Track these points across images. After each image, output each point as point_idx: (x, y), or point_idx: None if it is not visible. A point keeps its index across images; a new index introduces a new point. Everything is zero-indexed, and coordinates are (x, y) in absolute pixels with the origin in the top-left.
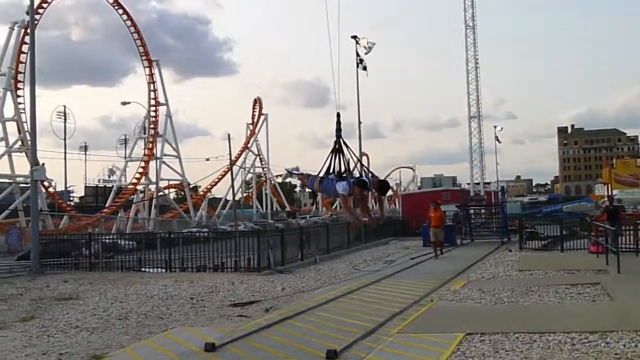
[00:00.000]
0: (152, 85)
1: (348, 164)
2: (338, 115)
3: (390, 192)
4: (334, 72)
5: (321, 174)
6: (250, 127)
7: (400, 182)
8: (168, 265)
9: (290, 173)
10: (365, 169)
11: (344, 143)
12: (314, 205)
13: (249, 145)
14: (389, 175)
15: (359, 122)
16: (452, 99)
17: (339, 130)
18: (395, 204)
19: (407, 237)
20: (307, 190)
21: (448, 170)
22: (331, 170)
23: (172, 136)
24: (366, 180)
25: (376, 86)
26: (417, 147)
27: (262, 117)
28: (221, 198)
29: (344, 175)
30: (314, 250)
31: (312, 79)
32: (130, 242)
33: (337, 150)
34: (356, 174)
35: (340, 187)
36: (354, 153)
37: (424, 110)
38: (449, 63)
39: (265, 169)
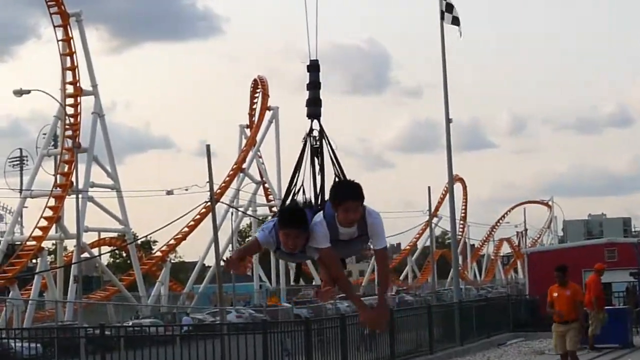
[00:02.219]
0: (68, 58)
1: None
2: (313, 65)
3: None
4: None
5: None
6: (247, 131)
7: (526, 229)
8: None
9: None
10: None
11: (324, 137)
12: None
13: (244, 166)
14: (504, 217)
15: (447, 120)
16: (618, 77)
17: (313, 112)
18: (515, 271)
19: (539, 332)
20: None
21: (614, 204)
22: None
23: (106, 151)
24: (296, 208)
25: (477, 60)
26: (555, 163)
27: (267, 114)
28: (194, 263)
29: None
30: (365, 356)
31: (362, 44)
32: (32, 346)
33: (314, 153)
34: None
35: (262, 235)
36: (331, 150)
37: (567, 98)
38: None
39: (275, 206)
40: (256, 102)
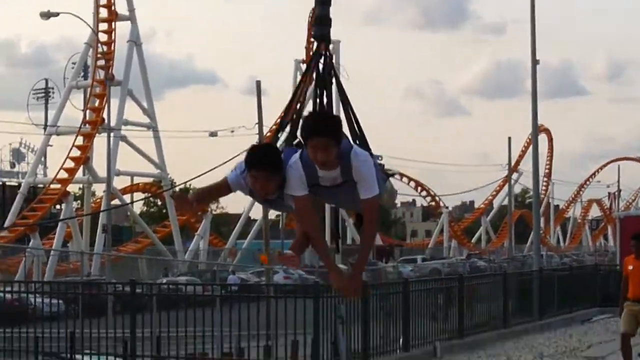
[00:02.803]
0: None
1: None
2: None
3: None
4: None
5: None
6: (303, 66)
7: (619, 190)
8: (129, 350)
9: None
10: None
11: (330, 68)
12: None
13: (298, 106)
14: (595, 175)
15: (534, 62)
16: None
17: (321, 32)
18: (605, 238)
19: None
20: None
21: None
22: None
23: (143, 85)
24: (264, 146)
25: None
26: None
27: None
28: (237, 215)
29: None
30: (431, 329)
31: None
32: (54, 302)
33: (319, 84)
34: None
35: (234, 175)
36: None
37: None
38: None
39: None
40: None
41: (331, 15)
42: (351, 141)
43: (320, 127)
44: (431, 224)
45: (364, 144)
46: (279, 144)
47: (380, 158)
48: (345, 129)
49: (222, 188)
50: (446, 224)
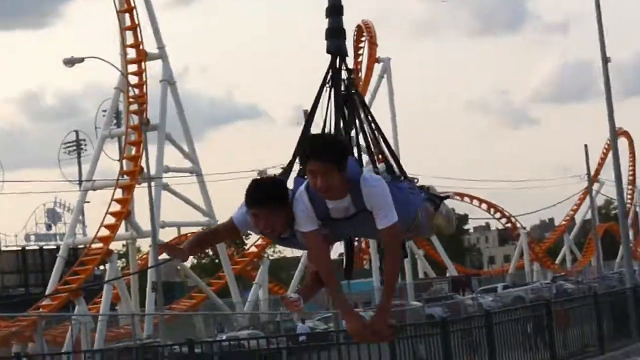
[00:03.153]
0: (127, 15)
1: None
2: None
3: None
4: None
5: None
6: None
7: None
8: None
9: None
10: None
11: (350, 85)
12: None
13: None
14: None
15: (605, 60)
16: None
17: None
18: None
19: None
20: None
21: None
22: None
23: (181, 127)
24: (262, 180)
25: None
26: None
27: (376, 67)
28: (296, 259)
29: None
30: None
31: None
32: None
33: (337, 102)
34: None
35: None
36: (368, 113)
37: None
38: None
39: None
40: (361, 54)
41: (345, 29)
42: (363, 166)
43: (318, 149)
44: (509, 247)
45: (390, 168)
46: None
47: (416, 180)
48: (358, 149)
49: (228, 230)
50: (525, 246)
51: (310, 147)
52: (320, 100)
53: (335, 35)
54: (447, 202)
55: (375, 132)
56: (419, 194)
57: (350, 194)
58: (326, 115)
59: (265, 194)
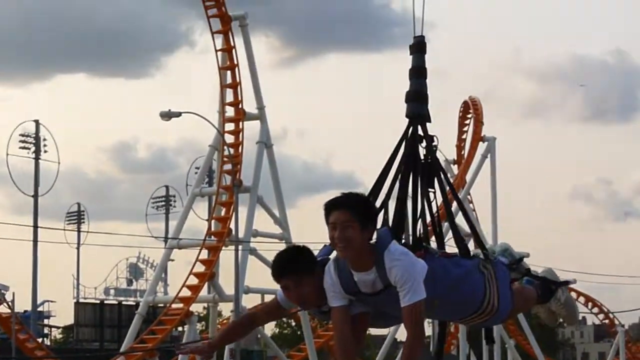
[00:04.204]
0: (228, 73)
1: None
2: (418, 44)
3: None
4: None
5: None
6: (454, 168)
7: None
8: None
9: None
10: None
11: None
12: None
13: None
14: None
15: None
16: None
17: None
18: None
19: None
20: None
21: None
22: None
23: (274, 191)
24: (283, 252)
25: None
26: None
27: (480, 146)
28: (382, 336)
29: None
30: None
31: (608, 56)
32: None
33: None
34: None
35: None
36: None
37: None
38: None
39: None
40: (466, 131)
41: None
42: (393, 240)
43: (339, 200)
44: (605, 345)
45: (464, 248)
46: None
47: (527, 256)
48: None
49: (274, 308)
50: (622, 344)
51: (333, 199)
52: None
53: (417, 99)
54: None
55: (449, 202)
56: (505, 273)
57: (376, 267)
58: (396, 182)
59: (288, 263)
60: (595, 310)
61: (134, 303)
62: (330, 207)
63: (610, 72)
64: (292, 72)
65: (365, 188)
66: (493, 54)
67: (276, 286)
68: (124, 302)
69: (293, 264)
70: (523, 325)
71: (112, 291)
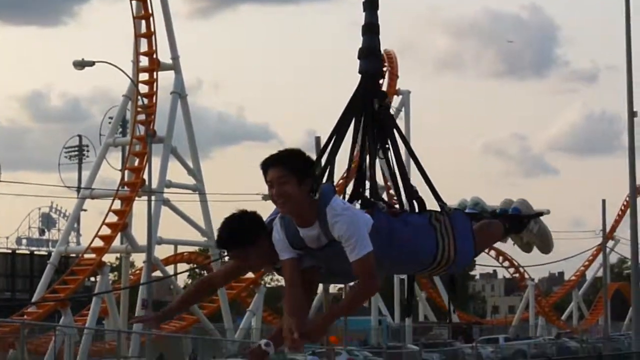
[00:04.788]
0: (143, 22)
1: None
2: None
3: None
4: None
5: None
6: None
7: None
8: None
9: None
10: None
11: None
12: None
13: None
14: None
15: (631, 113)
16: None
17: (371, 66)
18: None
19: None
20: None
21: None
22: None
23: (188, 142)
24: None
25: None
26: None
27: (395, 100)
28: None
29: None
30: None
31: (522, 12)
32: None
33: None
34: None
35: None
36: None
37: None
38: None
39: None
40: (381, 84)
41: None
42: (336, 195)
43: (275, 157)
44: (515, 298)
45: (418, 201)
46: None
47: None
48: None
49: (233, 269)
50: (532, 298)
51: (266, 158)
52: (343, 126)
53: (369, 55)
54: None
55: (414, 162)
56: (464, 221)
57: (318, 221)
58: (355, 140)
59: (230, 239)
60: (506, 264)
61: (46, 253)
62: (265, 166)
63: (525, 27)
64: (207, 23)
65: (279, 140)
66: (410, 8)
67: (190, 238)
68: (36, 252)
69: (234, 238)
70: (434, 278)
71: (24, 241)
